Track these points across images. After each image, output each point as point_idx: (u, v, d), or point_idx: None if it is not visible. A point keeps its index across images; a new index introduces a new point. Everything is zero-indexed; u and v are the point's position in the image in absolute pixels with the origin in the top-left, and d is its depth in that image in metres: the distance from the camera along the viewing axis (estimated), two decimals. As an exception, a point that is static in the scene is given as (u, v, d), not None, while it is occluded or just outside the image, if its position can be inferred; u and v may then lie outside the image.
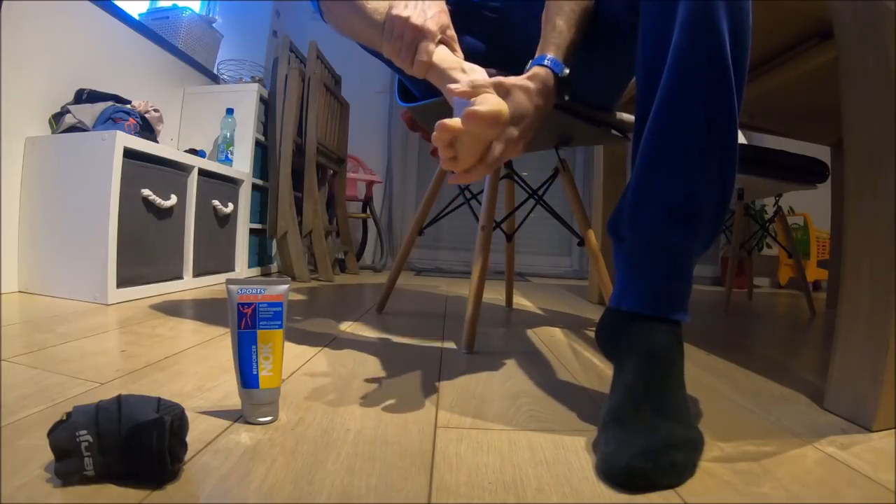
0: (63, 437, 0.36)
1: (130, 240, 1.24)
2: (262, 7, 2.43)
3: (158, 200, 1.31)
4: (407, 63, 0.57)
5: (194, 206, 1.49)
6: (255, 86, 1.96)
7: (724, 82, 0.51)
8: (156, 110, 1.51)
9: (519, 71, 0.62)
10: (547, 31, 0.66)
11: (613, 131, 1.01)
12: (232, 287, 0.49)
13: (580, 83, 0.86)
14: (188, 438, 0.41)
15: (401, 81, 1.02)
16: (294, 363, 0.73)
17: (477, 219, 1.00)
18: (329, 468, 0.42)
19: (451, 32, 0.58)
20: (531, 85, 0.58)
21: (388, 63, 0.90)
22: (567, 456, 0.47)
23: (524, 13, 0.81)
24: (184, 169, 1.47)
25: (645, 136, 0.54)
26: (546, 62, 0.61)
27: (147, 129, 1.44)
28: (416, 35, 0.56)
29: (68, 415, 0.37)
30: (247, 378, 0.49)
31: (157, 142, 1.44)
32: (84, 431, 0.36)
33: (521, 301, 1.64)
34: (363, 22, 0.62)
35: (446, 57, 0.56)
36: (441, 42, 0.57)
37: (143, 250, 1.30)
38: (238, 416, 0.51)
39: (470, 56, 0.61)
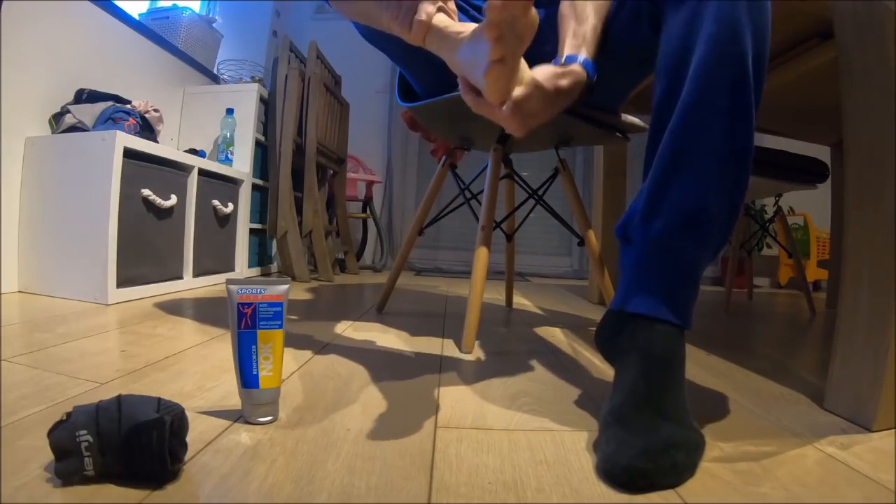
0: (63, 437, 0.36)
1: (130, 240, 1.24)
2: (262, 7, 2.43)
3: (158, 200, 1.31)
4: (405, 27, 0.55)
5: (194, 206, 1.49)
6: (255, 86, 1.96)
7: (746, 96, 0.52)
8: (156, 110, 1.51)
9: None
10: (581, 29, 0.66)
11: (616, 133, 1.01)
12: (232, 287, 0.49)
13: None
14: (188, 438, 0.41)
15: (401, 81, 1.02)
16: (294, 363, 0.73)
17: (477, 219, 1.00)
18: (329, 468, 0.42)
19: (452, 5, 0.57)
20: (565, 79, 0.59)
21: (390, 53, 0.90)
22: (567, 456, 0.47)
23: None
24: (184, 169, 1.47)
25: (663, 142, 0.54)
26: (581, 62, 0.62)
27: (147, 129, 1.44)
28: None
29: (68, 415, 0.37)
30: (247, 378, 0.49)
31: (157, 142, 1.44)
32: (84, 431, 0.36)
33: (521, 301, 1.64)
34: None
35: (446, 20, 0.54)
36: (440, 10, 0.56)
37: (143, 250, 1.30)
38: (238, 416, 0.51)
39: None
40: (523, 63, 0.53)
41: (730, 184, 0.53)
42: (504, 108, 0.52)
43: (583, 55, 0.63)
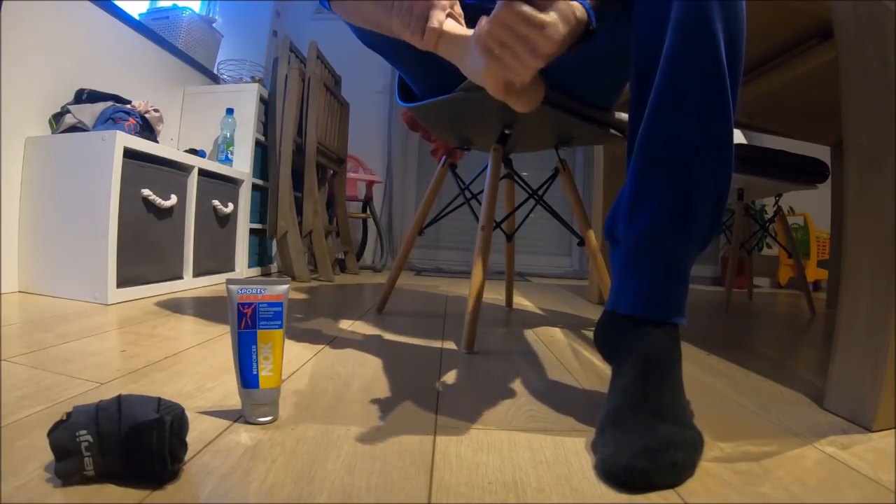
0: (63, 437, 0.36)
1: (130, 240, 1.24)
2: (262, 7, 2.43)
3: (158, 200, 1.31)
4: (417, 34, 0.56)
5: (194, 206, 1.49)
6: (255, 86, 1.96)
7: (718, 82, 0.50)
8: (156, 110, 1.51)
9: None
10: None
11: (613, 131, 1.01)
12: (232, 287, 0.49)
13: (579, 84, 0.86)
14: (188, 438, 0.41)
15: (401, 81, 1.02)
16: (294, 363, 0.73)
17: (477, 219, 1.00)
18: (329, 468, 0.42)
19: (458, 9, 0.58)
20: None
21: (387, 56, 0.90)
22: (567, 456, 0.47)
23: None
24: (184, 169, 1.47)
25: (639, 137, 0.54)
26: (585, 3, 0.56)
27: (147, 129, 1.44)
28: (425, 6, 0.55)
29: (68, 415, 0.37)
30: (247, 378, 0.49)
31: (157, 142, 1.44)
32: (84, 431, 0.36)
33: (521, 301, 1.64)
34: (371, 3, 0.62)
35: (456, 26, 0.56)
36: (449, 16, 0.56)
37: (143, 250, 1.30)
38: (238, 416, 0.51)
39: None
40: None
41: (710, 175, 0.52)
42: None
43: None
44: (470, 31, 0.53)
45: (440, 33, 0.55)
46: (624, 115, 0.99)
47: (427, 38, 0.55)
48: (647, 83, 0.53)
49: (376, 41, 0.84)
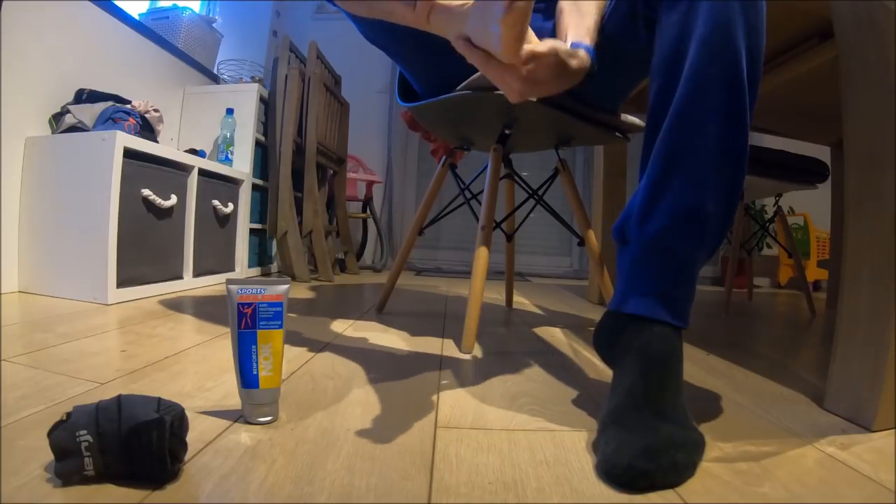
0: (63, 437, 0.36)
1: (130, 240, 1.24)
2: (262, 7, 2.43)
3: (158, 200, 1.31)
4: (409, 8, 0.54)
5: (194, 206, 1.49)
6: (255, 86, 1.96)
7: (739, 96, 0.52)
8: (156, 110, 1.51)
9: None
10: (584, 22, 0.68)
11: (617, 133, 1.01)
12: (232, 287, 0.49)
13: (587, 88, 0.86)
14: (188, 438, 0.41)
15: (401, 81, 1.02)
16: (294, 363, 0.73)
17: (477, 219, 1.00)
18: (329, 468, 0.42)
19: None
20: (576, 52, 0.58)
21: (390, 51, 0.90)
22: (567, 456, 0.47)
23: (538, 25, 0.82)
24: (184, 169, 1.47)
25: (658, 143, 0.55)
26: (585, 48, 0.62)
27: (147, 129, 1.44)
28: None
29: (68, 415, 0.37)
30: (247, 378, 0.49)
31: (157, 142, 1.44)
32: (84, 431, 0.36)
33: (521, 301, 1.64)
34: None
35: None
36: None
37: (143, 250, 1.30)
38: (238, 416, 0.51)
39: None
40: (531, 32, 0.52)
41: (724, 183, 0.53)
42: (522, 62, 0.50)
43: (587, 42, 0.64)
44: (463, 2, 0.50)
45: (432, 6, 0.52)
46: (630, 118, 0.99)
47: (419, 10, 0.53)
48: (669, 93, 0.54)
49: (378, 35, 0.83)
